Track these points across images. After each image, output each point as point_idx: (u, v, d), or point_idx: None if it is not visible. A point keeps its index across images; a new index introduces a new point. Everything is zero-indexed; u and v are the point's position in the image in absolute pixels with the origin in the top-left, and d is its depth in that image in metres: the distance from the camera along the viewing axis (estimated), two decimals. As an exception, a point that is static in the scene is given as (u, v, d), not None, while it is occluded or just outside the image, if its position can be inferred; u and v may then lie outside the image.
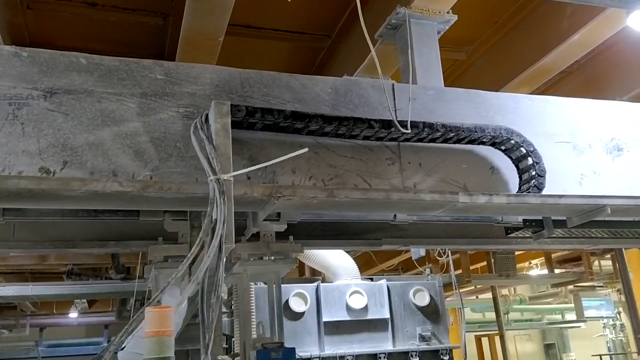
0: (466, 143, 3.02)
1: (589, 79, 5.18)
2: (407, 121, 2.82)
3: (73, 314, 11.01)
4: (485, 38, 5.02)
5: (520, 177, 3.08)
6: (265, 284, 6.51)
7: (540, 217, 3.66)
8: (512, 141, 3.00)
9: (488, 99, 3.27)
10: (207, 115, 2.48)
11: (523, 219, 3.74)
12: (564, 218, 3.39)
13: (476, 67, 5.24)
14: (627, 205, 3.02)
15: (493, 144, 3.06)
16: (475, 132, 2.93)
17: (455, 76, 5.47)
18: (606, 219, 3.89)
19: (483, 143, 3.04)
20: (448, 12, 3.57)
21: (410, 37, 3.43)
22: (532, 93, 4.78)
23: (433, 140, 2.98)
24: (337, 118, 2.74)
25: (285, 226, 3.32)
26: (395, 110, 3.03)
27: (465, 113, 3.16)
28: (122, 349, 5.23)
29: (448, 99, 3.19)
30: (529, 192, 2.96)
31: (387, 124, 2.81)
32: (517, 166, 3.08)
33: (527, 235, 3.90)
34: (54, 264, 8.55)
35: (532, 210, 3.14)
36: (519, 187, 3.07)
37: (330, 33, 4.84)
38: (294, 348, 3.60)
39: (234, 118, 2.46)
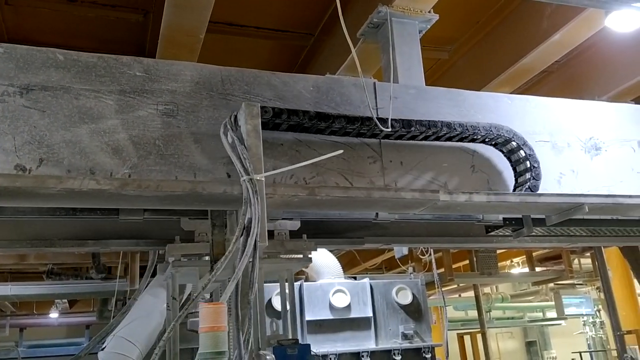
0: (445, 140, 3.03)
1: (568, 79, 5.24)
2: (388, 119, 2.82)
3: (54, 314, 10.87)
4: (467, 38, 5.05)
5: (514, 169, 3.15)
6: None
7: (520, 216, 3.69)
8: (508, 140, 3.06)
9: (469, 98, 3.29)
10: (235, 116, 2.51)
11: (503, 218, 3.77)
12: (543, 216, 3.42)
13: (458, 66, 5.28)
14: (604, 203, 3.06)
15: (483, 141, 3.09)
16: (455, 129, 2.96)
17: (437, 75, 5.50)
18: (585, 217, 3.94)
19: (462, 140, 3.06)
20: (429, 12, 3.58)
21: (392, 36, 3.44)
22: (513, 92, 4.82)
23: (414, 138, 2.99)
24: (359, 118, 2.80)
25: (299, 224, 3.38)
26: (377, 108, 3.03)
27: (446, 112, 3.18)
28: (102, 349, 5.19)
29: (429, 97, 3.20)
30: (524, 186, 3.02)
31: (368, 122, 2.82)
32: (509, 159, 3.14)
33: (507, 233, 3.93)
34: (33, 263, 8.43)
35: (512, 208, 3.16)
36: (515, 180, 3.13)
37: (312, 31, 4.83)
38: (309, 345, 3.62)
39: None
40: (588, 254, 9.36)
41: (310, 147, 2.85)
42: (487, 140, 3.08)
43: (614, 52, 4.74)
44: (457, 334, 15.02)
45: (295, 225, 3.40)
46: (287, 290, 3.63)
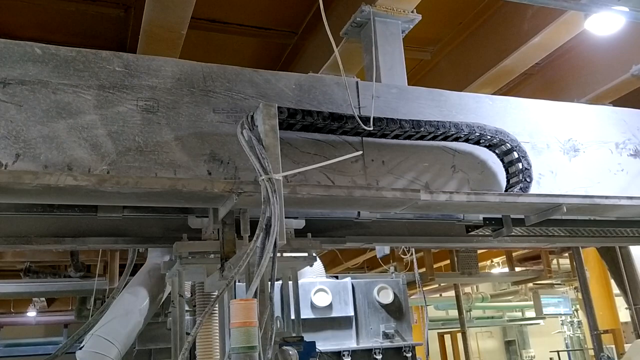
0: (429, 140, 3.05)
1: (549, 81, 5.30)
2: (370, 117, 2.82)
3: (31, 313, 10.70)
4: (449, 39, 5.08)
5: (507, 170, 3.20)
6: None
7: (499, 216, 3.72)
8: (499, 140, 3.10)
9: (450, 98, 3.31)
10: (252, 116, 2.53)
11: (483, 218, 3.80)
12: (523, 217, 3.46)
13: (440, 67, 5.31)
14: (582, 204, 3.10)
15: (467, 140, 3.11)
16: (439, 128, 2.97)
17: (420, 76, 5.53)
18: (563, 217, 3.99)
19: (446, 139, 3.08)
20: (412, 12, 3.60)
21: (375, 35, 3.45)
22: (494, 94, 4.86)
23: (396, 137, 3.00)
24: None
25: (304, 222, 3.39)
26: (359, 107, 3.03)
27: (428, 112, 3.20)
28: (80, 349, 5.12)
29: (411, 97, 3.22)
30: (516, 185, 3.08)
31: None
32: (502, 160, 3.19)
33: (487, 233, 3.96)
34: (11, 261, 8.30)
35: (491, 208, 3.19)
36: (507, 181, 3.17)
37: (296, 30, 4.82)
38: (314, 342, 3.62)
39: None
40: (566, 255, 9.48)
41: (292, 145, 2.84)
42: (481, 141, 3.13)
43: (593, 55, 4.81)
44: (438, 333, 15.15)
45: (301, 224, 3.41)
46: (291, 289, 3.67)
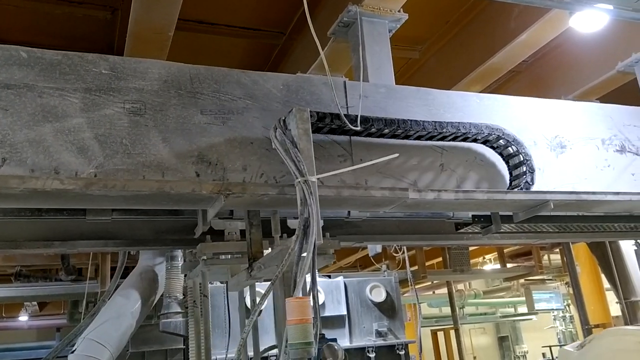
0: (415, 139, 3.07)
1: (536, 78, 5.34)
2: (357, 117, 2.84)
3: (23, 317, 10.64)
4: (437, 37, 5.10)
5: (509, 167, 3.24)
6: (222, 282, 6.46)
7: (488, 213, 3.75)
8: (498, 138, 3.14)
9: (438, 97, 3.32)
10: (284, 120, 2.61)
11: (472, 215, 3.83)
12: (511, 213, 3.49)
13: (429, 66, 5.33)
14: (568, 200, 3.13)
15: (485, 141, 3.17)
16: (424, 127, 2.99)
17: (408, 75, 5.54)
18: (552, 214, 4.02)
19: (431, 138, 3.10)
20: (399, 11, 3.60)
21: (362, 35, 3.45)
22: (482, 91, 4.89)
23: (383, 136, 3.01)
24: (401, 121, 2.90)
25: (322, 222, 3.42)
26: (347, 107, 3.04)
27: (416, 111, 3.21)
28: (72, 352, 5.10)
29: (399, 97, 3.23)
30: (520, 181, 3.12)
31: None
32: (504, 159, 3.23)
33: (476, 230, 4.00)
34: (1, 265, 8.25)
35: (480, 206, 3.21)
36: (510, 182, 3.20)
37: (284, 30, 4.82)
38: (335, 338, 3.63)
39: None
40: (557, 250, 9.56)
41: (280, 145, 2.84)
42: (486, 141, 3.17)
43: (580, 52, 4.85)
44: (431, 330, 15.21)
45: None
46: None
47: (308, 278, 2.40)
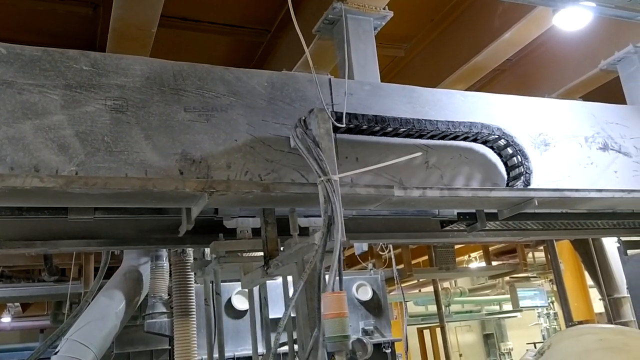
0: (404, 137, 3.07)
1: (520, 76, 5.37)
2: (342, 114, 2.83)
3: (6, 319, 10.49)
4: (422, 35, 5.11)
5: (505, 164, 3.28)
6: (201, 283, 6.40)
7: (473, 210, 3.76)
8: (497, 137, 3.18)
9: (423, 94, 3.32)
10: (304, 120, 2.66)
11: (457, 213, 3.84)
12: (496, 211, 3.50)
13: (414, 64, 5.34)
14: (552, 197, 3.15)
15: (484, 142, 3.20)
16: (413, 125, 3.01)
17: (394, 73, 5.55)
18: (536, 211, 4.05)
19: (421, 137, 3.11)
20: (384, 9, 3.59)
21: (347, 32, 3.44)
22: (467, 89, 4.89)
23: (373, 134, 3.02)
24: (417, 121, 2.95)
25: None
26: (332, 104, 3.03)
27: (401, 108, 3.21)
28: (56, 354, 5.04)
29: (384, 94, 3.22)
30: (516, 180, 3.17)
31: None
32: (500, 156, 3.28)
33: (461, 228, 4.01)
34: (-18, 266, 8.12)
35: (465, 203, 3.22)
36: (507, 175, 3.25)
37: (269, 27, 4.80)
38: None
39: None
40: (541, 248, 9.65)
41: (265, 143, 2.82)
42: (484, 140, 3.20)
43: (563, 50, 4.88)
44: (417, 328, 15.27)
45: None
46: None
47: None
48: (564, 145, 3.51)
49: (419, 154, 2.96)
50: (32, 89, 2.41)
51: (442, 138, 3.15)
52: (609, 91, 4.64)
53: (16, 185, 2.13)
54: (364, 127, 2.91)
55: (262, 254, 3.25)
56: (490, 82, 5.59)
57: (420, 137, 3.11)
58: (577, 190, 3.26)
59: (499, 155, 3.27)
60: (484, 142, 3.23)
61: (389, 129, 2.97)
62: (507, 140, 3.18)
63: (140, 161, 2.50)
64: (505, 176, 3.27)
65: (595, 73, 4.55)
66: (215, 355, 4.24)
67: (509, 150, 3.21)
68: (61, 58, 2.50)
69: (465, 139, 3.19)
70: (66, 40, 4.52)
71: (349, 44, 3.42)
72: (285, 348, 3.94)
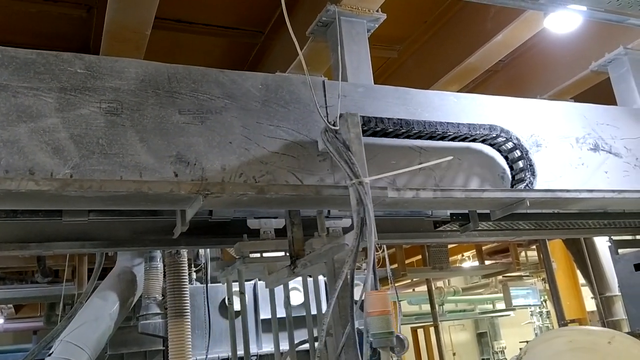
0: (393, 137, 3.10)
1: (512, 78, 5.41)
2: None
3: (-1, 320, 10.46)
4: (416, 37, 5.14)
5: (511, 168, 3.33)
6: (201, 283, 6.41)
7: (466, 211, 3.79)
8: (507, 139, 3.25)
9: (416, 96, 3.35)
10: (334, 124, 2.72)
11: (450, 213, 3.87)
12: (489, 211, 3.53)
13: (407, 65, 5.36)
14: (544, 198, 3.18)
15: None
16: (436, 128, 3.07)
17: (387, 74, 5.57)
18: (528, 211, 4.09)
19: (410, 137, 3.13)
20: (378, 11, 3.62)
21: (341, 34, 3.46)
22: (460, 91, 4.94)
23: (397, 136, 3.09)
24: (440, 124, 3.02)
25: (350, 222, 3.51)
26: (326, 106, 3.05)
27: (395, 110, 3.23)
28: (49, 355, 5.03)
29: (377, 96, 3.25)
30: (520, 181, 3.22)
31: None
32: (506, 157, 3.34)
33: (454, 228, 4.04)
34: (-25, 268, 8.08)
35: (458, 204, 3.25)
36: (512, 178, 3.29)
37: (263, 29, 4.81)
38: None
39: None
40: (534, 247, 9.70)
41: (260, 145, 2.83)
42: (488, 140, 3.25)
43: (555, 52, 4.93)
44: (411, 327, 15.32)
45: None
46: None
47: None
48: (555, 146, 3.54)
49: (450, 157, 3.04)
50: (27, 92, 2.42)
51: (463, 140, 3.22)
52: (599, 92, 4.69)
53: (11, 188, 2.13)
54: (390, 130, 2.98)
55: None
56: (483, 84, 5.63)
57: (442, 139, 3.18)
58: (568, 190, 3.29)
59: (506, 158, 3.32)
60: (490, 144, 3.29)
61: (414, 132, 3.04)
62: (515, 144, 3.25)
63: (135, 164, 2.51)
64: (510, 179, 3.32)
65: (586, 74, 4.59)
66: (212, 355, 4.24)
67: (516, 154, 3.27)
68: (55, 61, 2.51)
69: (473, 141, 3.25)
70: (60, 43, 4.51)
71: (343, 46, 3.44)
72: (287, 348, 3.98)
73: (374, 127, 2.89)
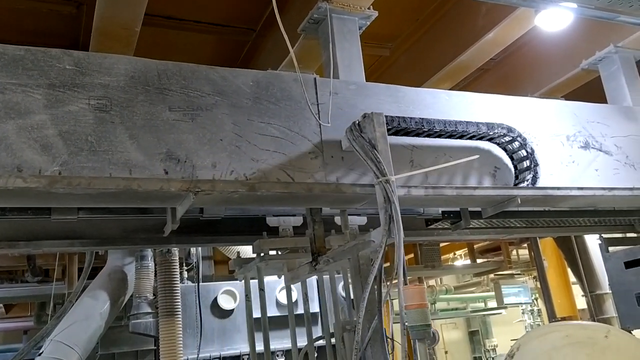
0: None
1: (504, 76, 5.42)
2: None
3: (-12, 320, 10.36)
4: (408, 35, 5.14)
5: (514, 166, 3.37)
6: (192, 282, 6.37)
7: (458, 209, 3.79)
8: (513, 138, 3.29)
9: (408, 94, 3.35)
10: (359, 124, 2.77)
11: (442, 211, 3.87)
12: (480, 209, 3.53)
13: (399, 63, 5.36)
14: (535, 195, 3.19)
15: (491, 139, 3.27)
16: (455, 127, 3.09)
17: (380, 72, 5.57)
18: (519, 209, 4.10)
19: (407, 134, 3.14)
20: (369, 8, 3.61)
21: (332, 32, 3.45)
22: (452, 89, 4.94)
23: (418, 135, 3.12)
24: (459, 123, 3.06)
25: (366, 219, 3.64)
26: (318, 104, 3.04)
27: (386, 107, 3.22)
28: (40, 355, 4.99)
29: (370, 93, 3.24)
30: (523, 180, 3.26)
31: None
32: (511, 157, 3.38)
33: (446, 226, 4.04)
34: (-36, 268, 8.01)
35: (449, 201, 3.25)
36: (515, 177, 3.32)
37: (254, 26, 4.79)
38: None
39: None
40: (525, 245, 9.74)
41: (250, 142, 2.82)
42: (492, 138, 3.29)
43: (546, 50, 4.94)
44: (404, 326, 15.27)
45: (363, 220, 3.65)
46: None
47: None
48: (546, 144, 3.55)
49: (477, 156, 3.08)
50: (15, 88, 2.39)
51: (481, 139, 3.26)
52: (590, 90, 4.70)
53: (-1, 185, 2.11)
54: (412, 129, 3.02)
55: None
56: (474, 81, 5.64)
57: (461, 137, 3.21)
58: (559, 188, 3.30)
59: (511, 157, 3.35)
60: (497, 143, 3.33)
61: (435, 131, 3.07)
62: (521, 143, 3.28)
63: (125, 161, 2.49)
64: (514, 177, 3.34)
65: (577, 72, 4.61)
66: (203, 354, 4.22)
67: (522, 154, 3.31)
68: (44, 57, 2.48)
69: (481, 139, 3.29)
70: (49, 39, 4.47)
71: (334, 44, 3.42)
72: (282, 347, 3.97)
73: (396, 126, 2.94)
